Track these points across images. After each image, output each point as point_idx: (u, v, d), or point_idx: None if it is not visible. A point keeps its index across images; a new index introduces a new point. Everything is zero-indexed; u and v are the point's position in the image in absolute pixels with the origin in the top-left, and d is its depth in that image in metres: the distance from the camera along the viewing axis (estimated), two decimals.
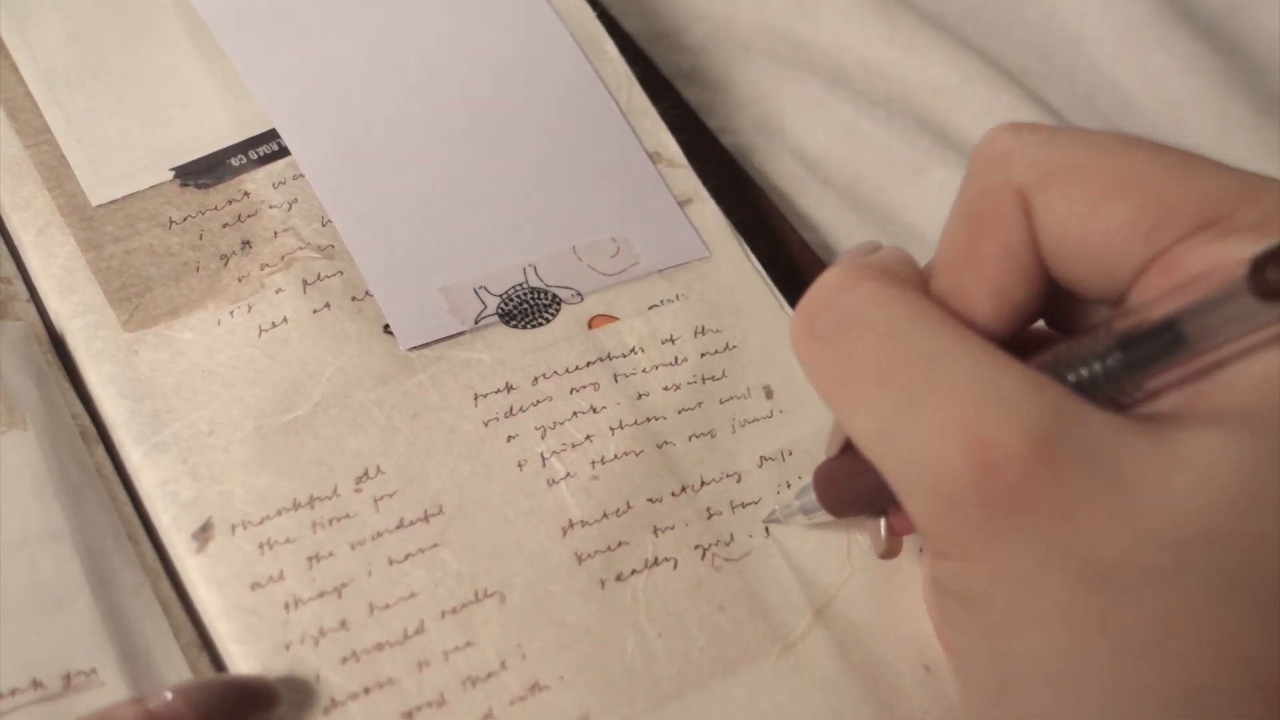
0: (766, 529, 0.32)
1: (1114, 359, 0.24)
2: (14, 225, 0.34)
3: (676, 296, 0.35)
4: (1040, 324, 0.28)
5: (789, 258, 0.38)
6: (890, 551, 0.30)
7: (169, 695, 0.27)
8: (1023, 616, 0.24)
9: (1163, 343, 0.23)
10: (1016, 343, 0.26)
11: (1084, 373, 0.24)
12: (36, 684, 0.28)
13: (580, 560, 0.31)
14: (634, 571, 0.31)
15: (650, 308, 0.35)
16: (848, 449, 0.29)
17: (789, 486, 0.33)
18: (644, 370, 0.34)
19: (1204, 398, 0.24)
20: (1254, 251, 0.22)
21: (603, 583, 0.31)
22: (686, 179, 0.37)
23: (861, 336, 0.25)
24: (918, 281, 0.26)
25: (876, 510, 0.30)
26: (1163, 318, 0.24)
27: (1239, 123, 0.42)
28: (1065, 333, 0.27)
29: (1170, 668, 0.23)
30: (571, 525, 0.32)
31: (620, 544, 0.32)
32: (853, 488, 0.29)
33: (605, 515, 0.32)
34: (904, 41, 0.43)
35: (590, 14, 0.39)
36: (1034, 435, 0.23)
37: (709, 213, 0.37)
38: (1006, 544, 0.23)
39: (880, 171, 0.42)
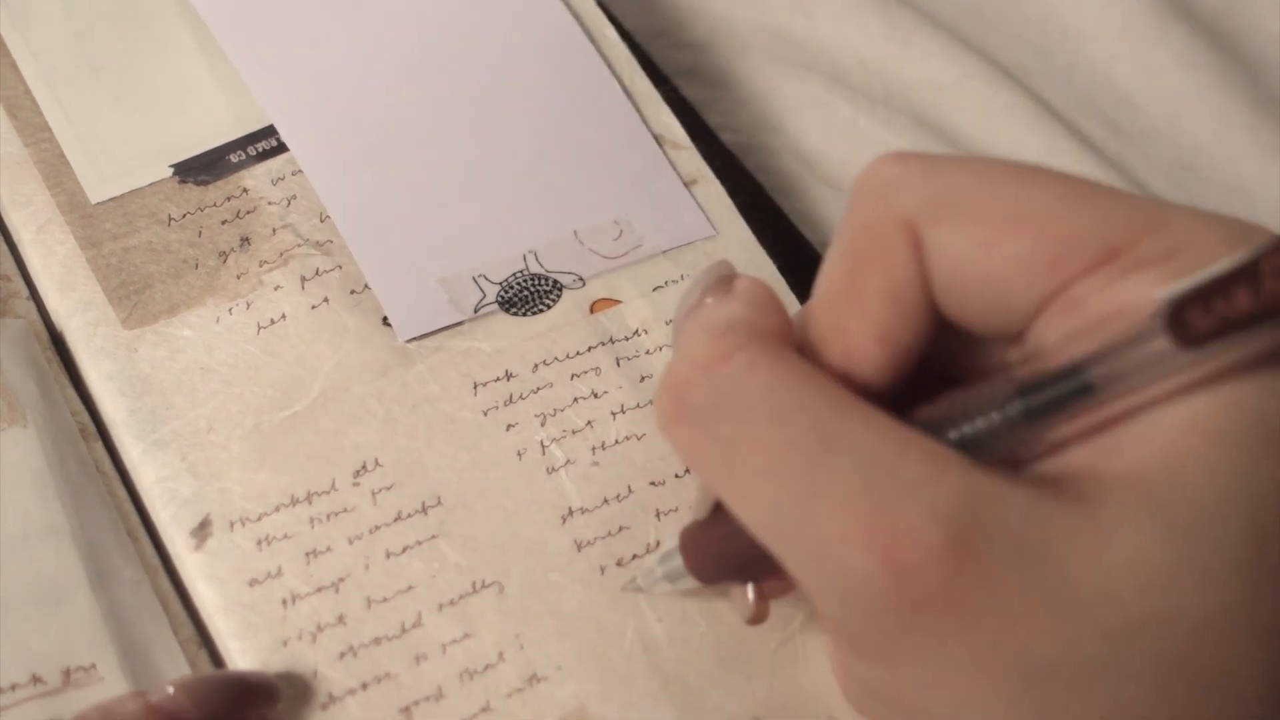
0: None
1: (1013, 408, 0.22)
2: (14, 223, 0.34)
3: (681, 277, 0.35)
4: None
5: (787, 255, 0.38)
6: (758, 617, 0.28)
7: (170, 689, 0.27)
8: None
9: (1066, 391, 0.22)
10: (905, 386, 0.24)
11: (981, 423, 0.22)
12: (36, 679, 0.28)
13: (580, 548, 0.31)
14: (635, 556, 0.31)
15: (654, 289, 0.34)
16: (719, 510, 0.27)
17: None
18: (647, 352, 0.34)
19: (1117, 453, 0.22)
20: (1169, 293, 0.21)
21: (602, 569, 0.31)
22: (691, 160, 0.37)
23: (742, 421, 0.23)
24: (785, 331, 0.24)
25: (748, 576, 0.28)
26: (1066, 364, 0.22)
27: (1237, 120, 0.42)
28: (958, 371, 0.25)
29: None
30: (571, 513, 0.31)
31: (621, 529, 0.31)
32: (724, 552, 0.27)
33: (606, 501, 0.31)
34: (902, 39, 0.43)
35: (591, 5, 0.39)
36: (949, 526, 0.21)
37: (714, 192, 0.36)
38: (938, 650, 0.22)
39: None
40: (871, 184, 0.24)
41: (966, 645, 0.21)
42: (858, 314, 0.24)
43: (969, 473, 0.22)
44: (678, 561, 0.29)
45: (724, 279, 0.26)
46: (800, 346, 0.24)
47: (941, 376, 0.25)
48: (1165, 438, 0.22)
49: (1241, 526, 0.21)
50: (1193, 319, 0.20)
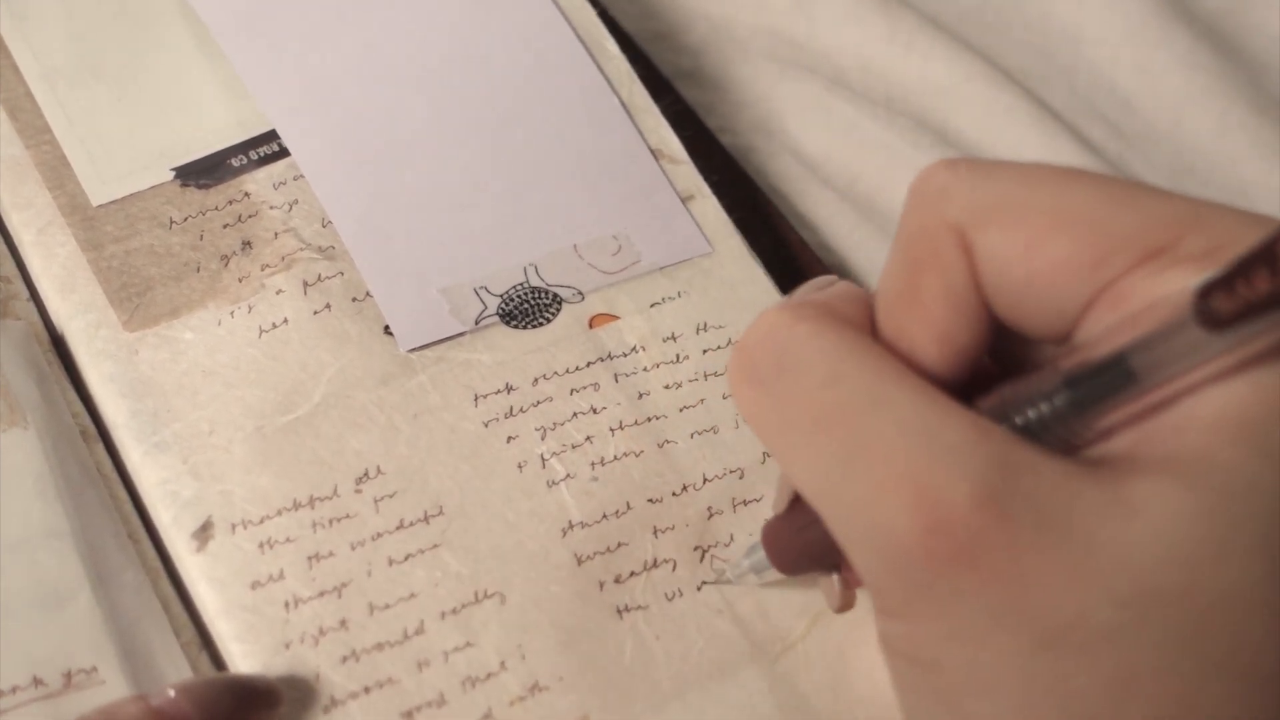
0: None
1: (1061, 398, 0.23)
2: (14, 225, 0.34)
3: (678, 294, 0.35)
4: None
5: (789, 257, 0.38)
6: (845, 605, 0.30)
7: (172, 693, 0.28)
8: (975, 680, 0.23)
9: (1110, 379, 0.23)
10: (963, 383, 0.25)
11: (1031, 414, 0.23)
12: (37, 681, 0.28)
13: (580, 562, 0.31)
14: (633, 573, 0.31)
15: (652, 305, 0.35)
16: (795, 504, 0.29)
17: None
18: (645, 369, 0.34)
19: (1156, 438, 0.23)
20: (1199, 281, 0.21)
21: (601, 585, 0.31)
22: (688, 175, 0.37)
23: (799, 381, 0.24)
24: (863, 321, 0.25)
25: (829, 566, 0.29)
26: (1109, 354, 0.23)
27: (1238, 122, 0.42)
28: (1013, 371, 0.26)
29: None
30: (571, 526, 0.32)
31: (620, 545, 0.32)
32: (803, 544, 0.29)
33: (605, 516, 0.32)
34: (903, 41, 0.43)
35: (591, 12, 0.39)
36: (981, 488, 0.22)
37: (711, 209, 0.37)
38: (957, 605, 0.23)
39: (880, 171, 0.42)
40: (923, 191, 0.25)
41: (987, 603, 0.22)
42: (916, 317, 0.25)
43: (1007, 443, 0.23)
44: (762, 554, 0.30)
45: (821, 280, 0.27)
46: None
47: (1001, 377, 0.26)
48: (1200, 422, 0.22)
49: (1269, 508, 0.22)
50: (1218, 303, 0.21)
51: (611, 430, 0.33)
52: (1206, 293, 0.21)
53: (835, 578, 0.29)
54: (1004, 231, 0.24)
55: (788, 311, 0.25)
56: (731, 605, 0.31)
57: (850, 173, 0.42)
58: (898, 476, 0.22)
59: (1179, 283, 0.23)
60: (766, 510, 0.33)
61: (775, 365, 0.24)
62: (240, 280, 0.34)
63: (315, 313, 0.33)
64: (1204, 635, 0.22)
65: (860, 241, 0.41)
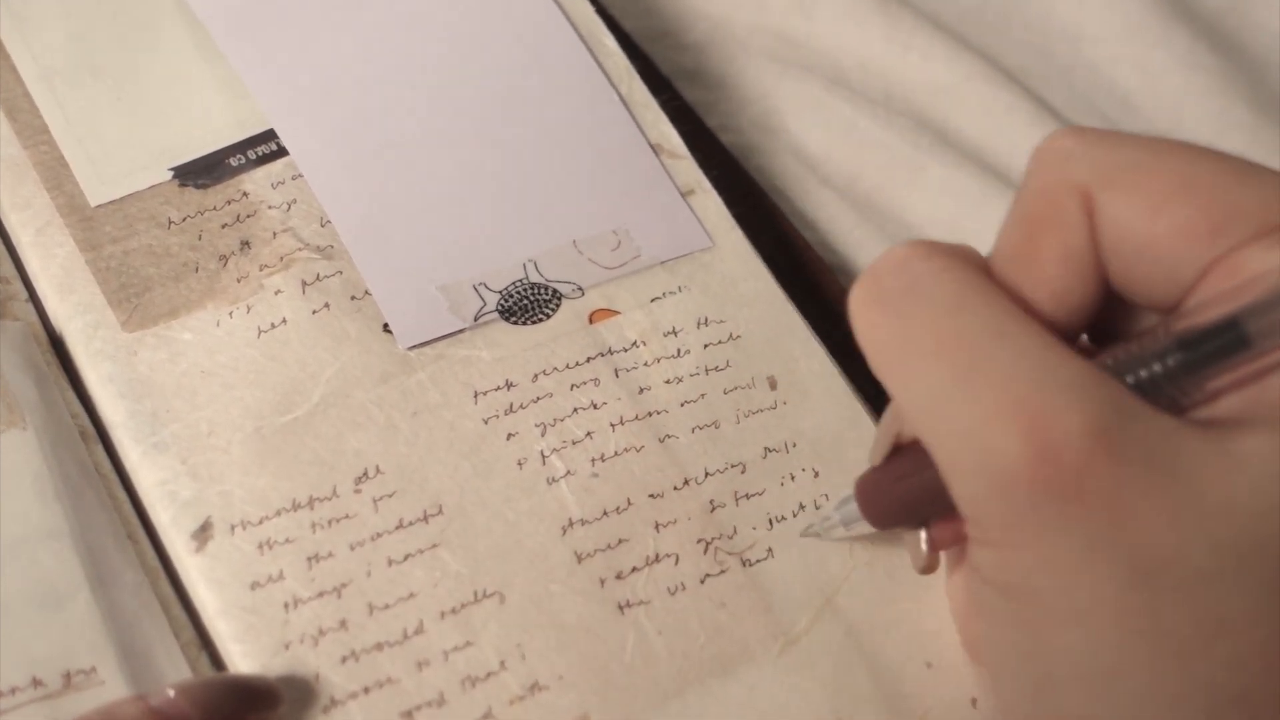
0: (770, 522, 0.32)
1: (1173, 359, 0.24)
2: (13, 225, 0.34)
3: (679, 288, 0.35)
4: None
5: (788, 256, 0.38)
6: (929, 566, 0.30)
7: (171, 693, 0.28)
8: (1066, 610, 0.24)
9: (1224, 342, 0.23)
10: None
11: (1143, 374, 0.24)
12: (36, 682, 0.28)
13: (580, 559, 0.31)
14: (634, 569, 0.31)
15: (652, 300, 0.35)
16: (894, 456, 0.29)
17: (793, 479, 0.33)
18: (645, 364, 0.34)
19: (1263, 402, 0.24)
20: None
21: (602, 581, 0.31)
22: (689, 170, 0.37)
23: (926, 307, 0.25)
24: (981, 264, 0.26)
25: (919, 520, 0.29)
26: (1224, 317, 0.23)
27: (1238, 123, 0.42)
28: (1112, 342, 0.27)
29: (1213, 672, 0.23)
30: (571, 524, 0.32)
31: (620, 541, 0.31)
32: (898, 495, 0.29)
33: (605, 513, 0.32)
34: (903, 40, 0.44)
35: (589, 8, 0.39)
36: (1094, 422, 0.23)
37: (711, 203, 0.37)
38: (1055, 533, 0.23)
39: (879, 170, 0.42)
40: (1049, 153, 0.26)
41: (1086, 534, 0.23)
42: (1032, 275, 0.25)
43: (1120, 391, 0.23)
44: (853, 507, 0.30)
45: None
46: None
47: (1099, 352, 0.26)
48: None
49: None
50: None
51: (612, 426, 0.33)
52: None
53: (922, 535, 0.29)
54: (1129, 193, 0.25)
55: (921, 246, 0.26)
56: (734, 600, 0.31)
57: (850, 171, 0.42)
58: (1013, 402, 0.23)
59: None
60: (769, 503, 0.33)
61: (904, 290, 0.25)
62: (239, 280, 0.34)
63: (314, 312, 0.33)
64: None
65: (860, 240, 0.41)
